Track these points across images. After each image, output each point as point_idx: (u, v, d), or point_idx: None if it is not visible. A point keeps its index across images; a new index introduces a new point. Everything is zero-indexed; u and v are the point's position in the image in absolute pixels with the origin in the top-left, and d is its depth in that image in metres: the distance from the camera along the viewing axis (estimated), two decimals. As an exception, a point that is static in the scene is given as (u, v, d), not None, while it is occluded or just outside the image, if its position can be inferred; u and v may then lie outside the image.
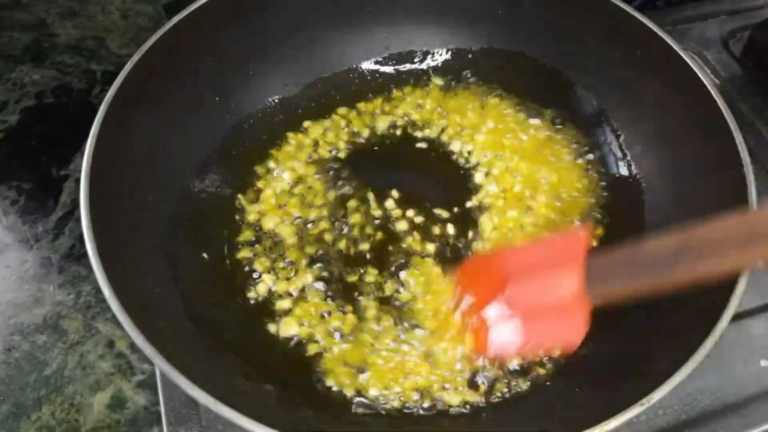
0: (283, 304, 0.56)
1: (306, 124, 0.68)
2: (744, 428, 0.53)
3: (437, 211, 0.62)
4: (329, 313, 0.56)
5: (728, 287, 0.45)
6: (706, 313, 0.45)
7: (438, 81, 0.72)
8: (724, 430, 0.53)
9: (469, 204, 0.63)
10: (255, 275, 0.58)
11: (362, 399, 0.51)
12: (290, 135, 0.68)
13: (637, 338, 0.53)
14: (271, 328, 0.55)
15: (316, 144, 0.67)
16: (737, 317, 0.54)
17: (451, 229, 0.61)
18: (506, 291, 0.43)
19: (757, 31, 0.78)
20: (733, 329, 0.47)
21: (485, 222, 0.62)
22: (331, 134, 0.68)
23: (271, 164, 0.65)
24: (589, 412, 0.44)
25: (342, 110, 0.70)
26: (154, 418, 0.55)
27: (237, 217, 0.61)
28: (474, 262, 0.56)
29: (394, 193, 0.64)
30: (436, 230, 0.61)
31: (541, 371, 0.53)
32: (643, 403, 0.41)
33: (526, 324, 0.43)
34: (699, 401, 0.55)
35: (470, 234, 0.61)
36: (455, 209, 0.63)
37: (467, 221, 0.62)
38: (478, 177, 0.65)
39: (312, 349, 0.54)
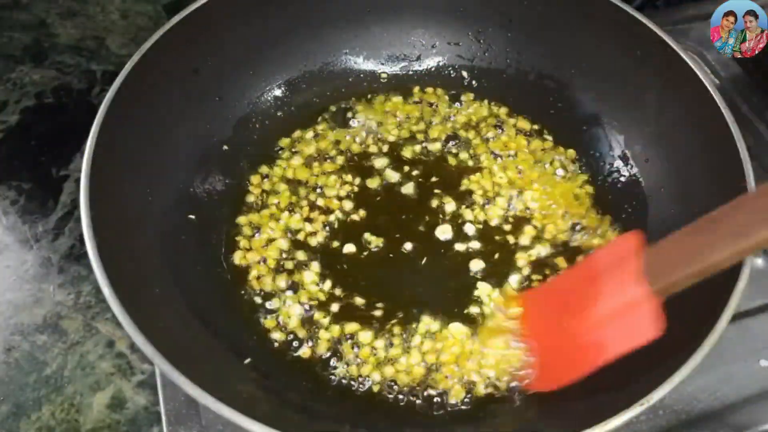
0: (278, 303, 0.57)
1: (309, 123, 0.69)
2: (744, 428, 0.53)
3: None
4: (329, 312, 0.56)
5: (728, 287, 0.45)
6: (706, 313, 0.45)
7: (437, 86, 0.72)
8: (724, 430, 0.53)
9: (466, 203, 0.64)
10: (254, 276, 0.58)
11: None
12: (291, 134, 0.68)
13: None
14: (269, 326, 0.55)
15: (317, 144, 0.67)
16: (737, 317, 0.54)
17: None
18: (563, 320, 0.43)
19: (757, 31, 0.77)
20: (733, 329, 0.47)
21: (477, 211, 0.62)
22: (332, 135, 0.68)
23: (271, 166, 0.66)
24: (589, 412, 0.44)
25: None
26: (154, 418, 0.55)
27: (237, 218, 0.62)
28: (527, 298, 0.54)
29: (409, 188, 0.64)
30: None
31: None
32: (643, 403, 0.41)
33: (596, 342, 0.42)
34: (699, 401, 0.55)
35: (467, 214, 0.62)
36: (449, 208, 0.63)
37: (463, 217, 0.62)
38: (475, 176, 0.65)
39: (309, 349, 0.54)
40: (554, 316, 0.45)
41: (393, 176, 0.65)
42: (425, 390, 0.52)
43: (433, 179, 0.65)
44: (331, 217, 0.62)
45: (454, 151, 0.67)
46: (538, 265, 0.59)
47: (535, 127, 0.69)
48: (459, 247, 0.60)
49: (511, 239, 0.61)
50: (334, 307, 0.56)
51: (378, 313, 0.56)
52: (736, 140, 0.52)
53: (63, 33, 0.84)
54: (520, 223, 0.62)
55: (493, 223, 0.62)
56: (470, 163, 0.67)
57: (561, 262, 0.60)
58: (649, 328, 0.39)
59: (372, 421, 0.50)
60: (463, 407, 0.52)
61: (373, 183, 0.65)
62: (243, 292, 0.57)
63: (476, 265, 0.59)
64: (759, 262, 0.63)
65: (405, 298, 0.57)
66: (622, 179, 0.65)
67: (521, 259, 0.60)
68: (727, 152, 0.52)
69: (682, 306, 0.51)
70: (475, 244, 0.60)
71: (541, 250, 0.60)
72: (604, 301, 0.41)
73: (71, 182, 0.69)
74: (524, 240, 0.61)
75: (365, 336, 0.55)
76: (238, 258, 0.59)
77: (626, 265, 0.40)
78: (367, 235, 0.61)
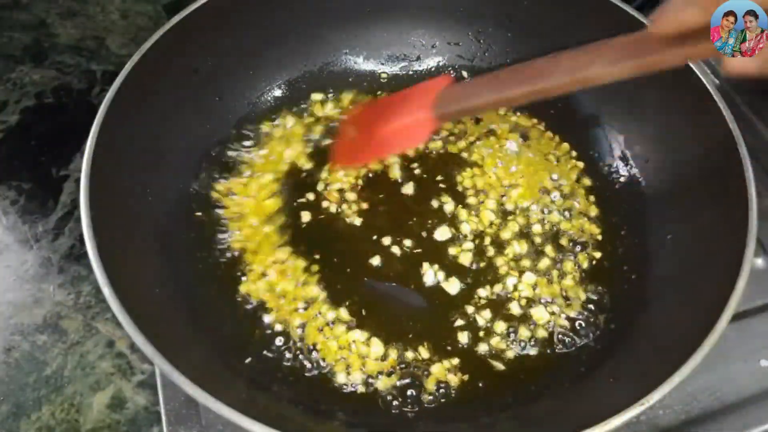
0: (278, 303, 0.57)
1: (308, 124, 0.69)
2: (744, 428, 0.53)
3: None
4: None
5: (728, 287, 0.45)
6: (706, 313, 0.45)
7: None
8: (724, 430, 0.53)
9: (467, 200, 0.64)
10: (252, 276, 0.58)
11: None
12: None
13: (636, 338, 0.53)
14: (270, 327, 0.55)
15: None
16: (737, 317, 0.54)
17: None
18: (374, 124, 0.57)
19: (757, 31, 0.77)
20: (733, 329, 0.47)
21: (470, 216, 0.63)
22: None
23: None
24: (589, 412, 0.44)
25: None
26: (154, 418, 0.55)
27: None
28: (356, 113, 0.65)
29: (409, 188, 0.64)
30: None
31: (542, 372, 0.53)
32: (643, 403, 0.41)
33: (387, 140, 0.56)
34: (699, 401, 0.55)
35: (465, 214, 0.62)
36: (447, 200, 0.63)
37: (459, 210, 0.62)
38: (468, 172, 0.66)
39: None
40: (369, 121, 0.58)
41: (396, 173, 0.65)
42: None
43: (436, 177, 0.65)
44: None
45: (454, 142, 0.68)
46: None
47: (535, 122, 0.70)
48: (457, 249, 0.60)
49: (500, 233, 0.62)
50: (341, 311, 0.57)
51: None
52: (736, 140, 0.52)
53: (63, 33, 0.84)
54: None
55: (491, 219, 0.62)
56: (474, 158, 0.67)
57: (550, 251, 0.60)
58: (419, 139, 0.57)
59: (374, 422, 0.50)
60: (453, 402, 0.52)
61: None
62: (242, 291, 0.57)
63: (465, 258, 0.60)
64: (759, 262, 0.63)
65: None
66: (622, 179, 0.65)
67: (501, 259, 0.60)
68: (727, 152, 0.52)
69: (683, 306, 0.51)
70: (470, 245, 0.61)
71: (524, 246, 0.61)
72: (402, 114, 0.55)
73: (71, 182, 0.69)
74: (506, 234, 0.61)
75: (364, 338, 0.55)
76: (237, 257, 0.59)
77: (425, 96, 0.53)
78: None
